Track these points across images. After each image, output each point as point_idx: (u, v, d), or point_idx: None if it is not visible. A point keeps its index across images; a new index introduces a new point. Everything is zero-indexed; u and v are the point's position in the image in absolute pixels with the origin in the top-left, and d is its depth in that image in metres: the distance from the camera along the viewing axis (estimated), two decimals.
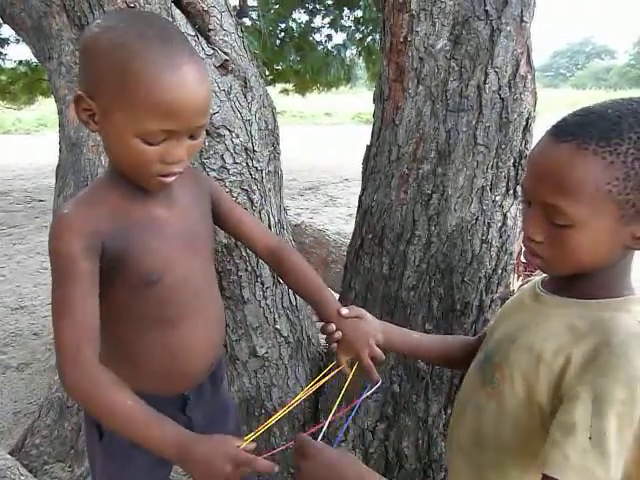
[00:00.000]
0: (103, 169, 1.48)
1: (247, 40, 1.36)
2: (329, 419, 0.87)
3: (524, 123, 1.25)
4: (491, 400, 0.78)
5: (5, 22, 1.74)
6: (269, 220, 1.38)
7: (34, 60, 5.53)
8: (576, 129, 0.66)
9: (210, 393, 1.01)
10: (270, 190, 1.41)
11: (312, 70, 6.87)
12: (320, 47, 6.98)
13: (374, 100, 1.39)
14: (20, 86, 6.92)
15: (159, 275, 0.84)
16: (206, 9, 1.23)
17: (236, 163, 1.28)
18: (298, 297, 1.50)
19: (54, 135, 2.02)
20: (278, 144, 1.46)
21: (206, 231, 0.95)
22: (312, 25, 6.92)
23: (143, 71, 0.70)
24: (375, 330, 0.95)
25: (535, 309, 0.78)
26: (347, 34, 6.77)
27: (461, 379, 0.92)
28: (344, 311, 0.95)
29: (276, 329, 1.43)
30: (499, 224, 1.28)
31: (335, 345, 0.94)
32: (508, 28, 1.18)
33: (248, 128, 1.31)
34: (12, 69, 6.90)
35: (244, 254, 1.32)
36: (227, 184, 1.27)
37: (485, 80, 1.20)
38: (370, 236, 1.37)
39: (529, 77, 1.24)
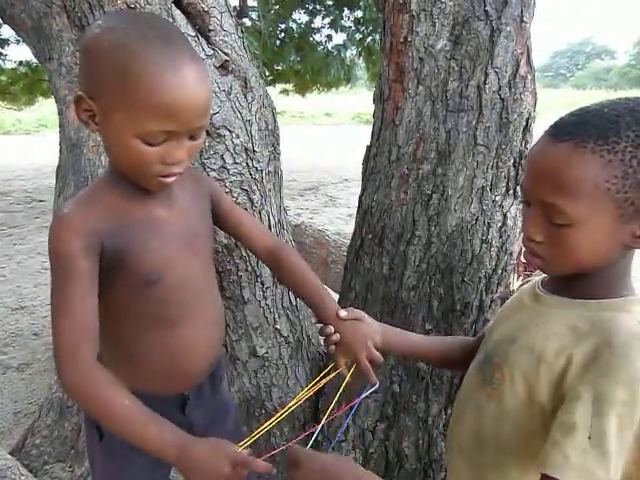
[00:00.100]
0: (103, 169, 1.47)
1: (247, 40, 1.36)
2: (322, 422, 0.87)
3: (524, 123, 1.25)
4: (491, 400, 0.78)
5: (5, 23, 1.74)
6: (269, 220, 1.38)
7: (34, 61, 5.53)
8: (574, 128, 0.66)
9: (210, 393, 1.01)
10: (270, 190, 1.41)
11: (312, 70, 6.87)
12: (320, 47, 7.00)
13: (374, 100, 1.39)
14: (20, 87, 6.93)
15: (159, 275, 0.84)
16: (206, 10, 1.23)
17: (236, 163, 1.28)
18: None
19: (54, 136, 2.02)
20: (278, 144, 1.46)
21: (206, 231, 0.95)
22: (312, 25, 6.94)
23: (144, 72, 0.70)
24: (373, 332, 0.94)
25: (535, 309, 0.78)
26: (347, 34, 6.78)
27: (461, 379, 0.92)
28: (342, 313, 0.95)
29: (276, 329, 1.43)
30: (499, 224, 1.29)
31: (333, 347, 0.94)
32: (508, 28, 1.18)
33: (248, 128, 1.31)
34: (12, 70, 6.91)
35: (244, 254, 1.32)
36: (227, 184, 1.27)
37: (485, 80, 1.20)
38: (370, 236, 1.37)
39: (529, 77, 1.24)
